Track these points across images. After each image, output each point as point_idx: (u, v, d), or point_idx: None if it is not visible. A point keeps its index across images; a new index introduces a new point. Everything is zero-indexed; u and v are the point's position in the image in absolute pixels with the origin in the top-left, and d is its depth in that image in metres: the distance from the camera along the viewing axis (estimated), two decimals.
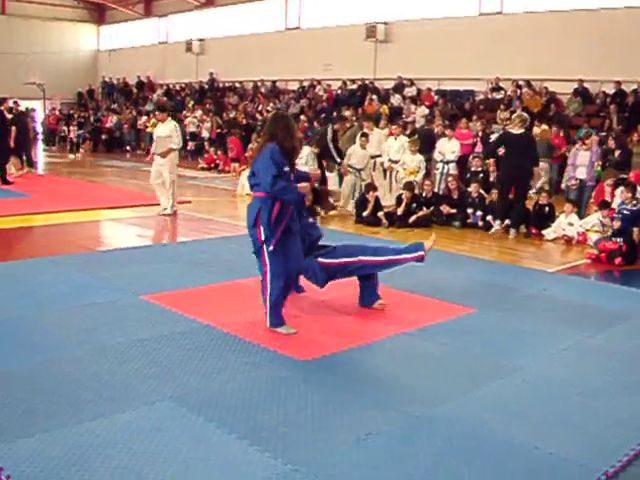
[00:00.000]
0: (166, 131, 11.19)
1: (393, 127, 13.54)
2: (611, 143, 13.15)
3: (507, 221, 10.74)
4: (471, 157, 13.57)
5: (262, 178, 5.34)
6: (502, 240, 10.39)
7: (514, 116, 11.07)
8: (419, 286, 7.06)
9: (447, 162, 13.08)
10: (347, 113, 14.10)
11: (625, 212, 9.24)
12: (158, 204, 11.49)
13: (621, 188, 9.79)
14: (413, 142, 12.71)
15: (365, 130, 12.93)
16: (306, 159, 11.69)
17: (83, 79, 33.81)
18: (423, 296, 6.75)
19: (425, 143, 14.58)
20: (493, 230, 10.76)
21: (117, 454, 3.47)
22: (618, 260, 8.80)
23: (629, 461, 3.63)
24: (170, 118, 11.74)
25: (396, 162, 12.64)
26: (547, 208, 10.80)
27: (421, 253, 6.16)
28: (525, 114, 11.27)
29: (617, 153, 12.82)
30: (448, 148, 13.18)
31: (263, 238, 5.37)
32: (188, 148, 23.21)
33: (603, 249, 8.97)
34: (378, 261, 6.13)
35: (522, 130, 10.49)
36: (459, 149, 13.28)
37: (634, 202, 9.34)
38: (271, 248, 5.34)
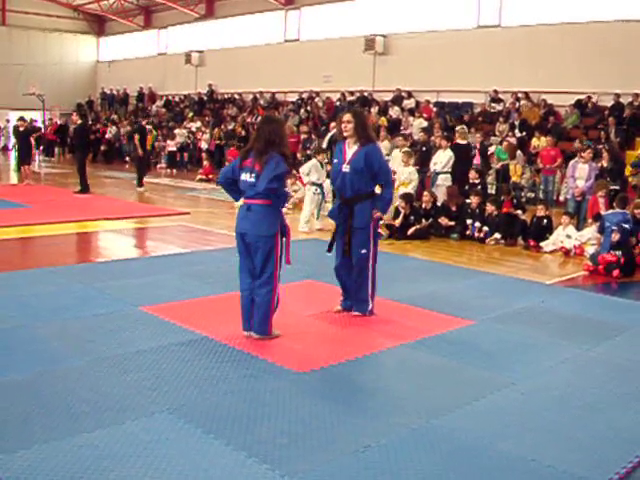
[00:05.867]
0: None
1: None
2: (605, 155, 13.14)
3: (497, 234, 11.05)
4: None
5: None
6: (500, 252, 10.42)
7: (458, 128, 12.47)
8: (417, 298, 7.06)
9: (437, 173, 13.05)
10: None
11: (624, 226, 9.25)
12: (156, 215, 11.44)
13: (614, 204, 9.86)
14: (407, 154, 12.69)
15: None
16: (309, 170, 11.69)
17: (82, 90, 33.95)
18: (421, 308, 6.75)
19: (423, 155, 14.62)
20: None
21: (115, 465, 3.46)
22: (616, 272, 8.82)
23: (627, 473, 3.64)
24: None
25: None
26: (545, 220, 10.84)
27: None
28: (465, 127, 14.33)
29: (610, 164, 12.84)
30: (440, 159, 13.14)
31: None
32: (177, 159, 23.47)
33: (602, 261, 8.99)
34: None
35: (465, 141, 13.43)
36: (447, 160, 13.01)
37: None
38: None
